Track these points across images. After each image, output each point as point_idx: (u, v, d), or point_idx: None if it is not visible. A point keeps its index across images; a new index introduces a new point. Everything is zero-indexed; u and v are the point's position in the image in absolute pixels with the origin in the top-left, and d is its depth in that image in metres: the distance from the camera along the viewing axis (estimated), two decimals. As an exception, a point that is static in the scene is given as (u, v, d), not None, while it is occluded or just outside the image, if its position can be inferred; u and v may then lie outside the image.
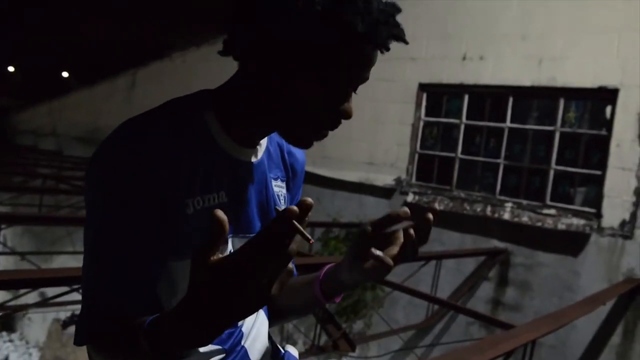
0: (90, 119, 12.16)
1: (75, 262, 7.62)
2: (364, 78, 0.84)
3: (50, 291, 3.77)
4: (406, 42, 0.83)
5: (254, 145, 0.94)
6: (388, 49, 0.82)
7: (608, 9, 5.06)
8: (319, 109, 0.83)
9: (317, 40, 0.78)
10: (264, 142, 0.97)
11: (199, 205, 0.84)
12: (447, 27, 6.07)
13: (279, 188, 1.02)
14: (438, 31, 6.14)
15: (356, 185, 6.79)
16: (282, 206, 1.02)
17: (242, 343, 0.98)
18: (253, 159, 0.94)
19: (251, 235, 0.94)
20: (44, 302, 4.53)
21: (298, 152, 1.08)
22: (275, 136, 1.01)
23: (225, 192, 0.89)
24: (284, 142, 1.05)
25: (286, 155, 1.05)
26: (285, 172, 1.05)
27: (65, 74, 14.31)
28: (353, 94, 0.86)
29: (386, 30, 0.79)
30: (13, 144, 15.92)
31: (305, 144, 0.89)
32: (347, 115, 0.85)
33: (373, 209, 6.61)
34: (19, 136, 16.32)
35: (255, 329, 1.01)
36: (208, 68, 8.46)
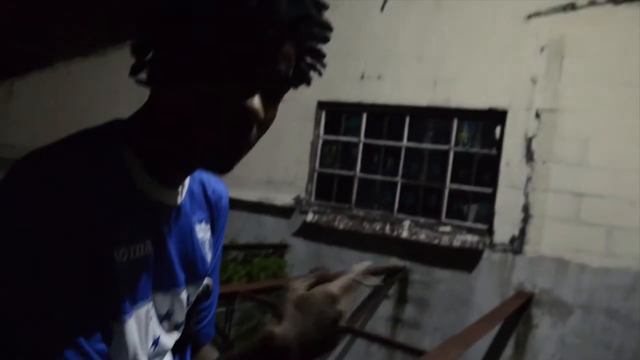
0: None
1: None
2: (273, 71, 0.69)
3: None
4: (326, 37, 0.74)
5: (177, 185, 0.80)
6: (295, 30, 0.68)
7: (498, 34, 5.32)
8: (219, 115, 0.67)
9: (202, 33, 0.65)
10: (186, 181, 0.84)
11: (124, 257, 0.70)
12: (346, 46, 6.11)
13: (203, 232, 0.90)
14: (337, 50, 6.14)
15: (255, 204, 6.62)
16: (207, 254, 0.91)
17: None
18: (177, 202, 0.81)
19: (176, 289, 0.82)
20: None
21: (222, 189, 0.97)
22: (197, 174, 0.89)
23: (150, 241, 0.75)
24: (206, 179, 0.93)
25: (210, 192, 0.94)
26: (210, 212, 0.93)
27: None
28: (269, 96, 0.71)
29: (290, 5, 0.66)
30: None
31: (224, 166, 0.72)
32: (252, 113, 0.68)
33: (272, 229, 6.47)
34: None
35: None
36: (97, 81, 7.97)
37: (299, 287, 0.74)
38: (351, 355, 5.72)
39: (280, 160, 6.53)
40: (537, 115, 5.09)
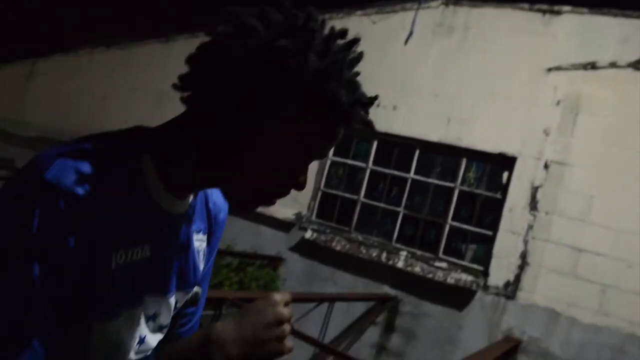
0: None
1: None
2: (326, 153, 0.80)
3: None
4: (372, 128, 0.86)
5: (186, 196, 0.85)
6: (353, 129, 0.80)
7: (514, 82, 5.43)
8: (279, 178, 0.78)
9: (299, 112, 0.73)
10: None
11: (122, 260, 0.74)
12: (365, 72, 6.16)
13: (199, 242, 0.94)
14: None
15: (255, 214, 6.66)
16: (200, 263, 0.95)
17: None
18: (182, 211, 0.85)
19: (166, 294, 0.86)
20: None
21: (222, 203, 1.00)
22: None
23: (149, 246, 0.79)
24: (209, 191, 0.97)
25: (211, 205, 0.97)
26: (208, 223, 0.97)
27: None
28: None
29: (361, 111, 0.78)
30: None
31: (250, 208, 0.83)
32: (302, 188, 0.81)
33: (270, 240, 6.50)
34: None
35: None
36: (116, 73, 8.05)
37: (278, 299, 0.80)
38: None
39: (287, 174, 6.58)
40: (546, 166, 5.17)
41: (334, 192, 6.48)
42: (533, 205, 5.18)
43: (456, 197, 5.70)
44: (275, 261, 6.40)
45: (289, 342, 0.78)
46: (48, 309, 0.66)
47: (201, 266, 0.95)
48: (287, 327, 0.77)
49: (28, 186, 0.66)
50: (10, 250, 0.64)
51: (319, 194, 6.54)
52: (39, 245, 0.64)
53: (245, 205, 0.82)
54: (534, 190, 5.20)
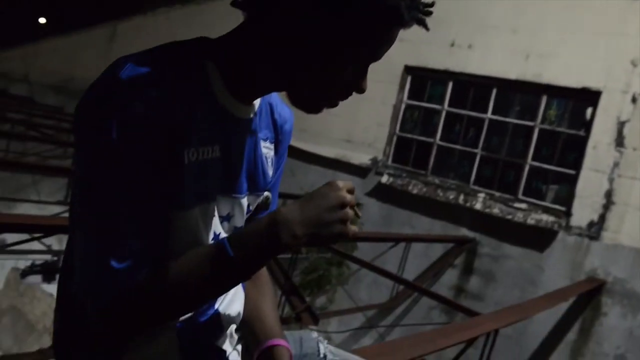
0: (65, 68, 11.80)
1: (38, 211, 7.44)
2: (381, 56, 0.84)
3: (10, 238, 3.66)
4: (427, 29, 0.83)
5: (251, 102, 0.90)
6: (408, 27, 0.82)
7: (598, 12, 5.08)
8: (341, 80, 0.82)
9: (359, 16, 0.76)
10: (257, 100, 0.93)
11: (194, 157, 0.80)
12: (438, 12, 5.97)
13: (267, 149, 0.99)
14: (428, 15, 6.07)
15: (332, 161, 6.76)
16: (269, 169, 1.00)
17: (216, 306, 0.95)
18: (247, 117, 0.90)
19: (238, 196, 0.92)
20: (3, 248, 4.40)
21: (288, 114, 1.05)
22: (267, 96, 0.98)
23: (219, 147, 0.85)
24: (274, 101, 1.01)
25: (276, 115, 1.02)
26: (275, 133, 1.02)
27: (42, 20, 13.83)
28: None
29: (418, 12, 0.80)
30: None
31: (315, 110, 0.86)
32: (362, 91, 0.85)
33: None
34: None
35: (231, 294, 0.99)
36: (191, 27, 8.26)
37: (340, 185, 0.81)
38: (412, 316, 5.84)
39: (361, 120, 6.60)
40: (634, 100, 4.87)
41: (409, 135, 6.44)
42: (619, 141, 4.92)
43: (536, 136, 5.51)
44: (353, 205, 6.49)
45: (352, 226, 0.79)
46: (137, 202, 0.75)
47: (270, 172, 1.00)
48: (349, 211, 0.79)
49: (106, 88, 0.73)
50: (97, 150, 0.73)
51: (394, 138, 6.52)
52: (120, 142, 0.72)
53: (309, 106, 0.85)
54: (620, 125, 4.92)
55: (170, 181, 0.78)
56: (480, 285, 5.61)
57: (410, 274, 5.80)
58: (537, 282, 5.24)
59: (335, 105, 0.86)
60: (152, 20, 9.04)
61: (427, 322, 5.34)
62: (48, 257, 7.06)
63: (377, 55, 0.82)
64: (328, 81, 0.82)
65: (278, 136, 1.03)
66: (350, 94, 0.85)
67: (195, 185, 0.82)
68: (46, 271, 6.85)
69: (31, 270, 8.81)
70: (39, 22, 14.07)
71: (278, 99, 1.03)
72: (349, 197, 0.79)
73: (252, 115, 0.91)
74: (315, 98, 0.84)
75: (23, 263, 9.79)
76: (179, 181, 0.79)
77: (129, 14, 9.18)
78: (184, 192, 0.80)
